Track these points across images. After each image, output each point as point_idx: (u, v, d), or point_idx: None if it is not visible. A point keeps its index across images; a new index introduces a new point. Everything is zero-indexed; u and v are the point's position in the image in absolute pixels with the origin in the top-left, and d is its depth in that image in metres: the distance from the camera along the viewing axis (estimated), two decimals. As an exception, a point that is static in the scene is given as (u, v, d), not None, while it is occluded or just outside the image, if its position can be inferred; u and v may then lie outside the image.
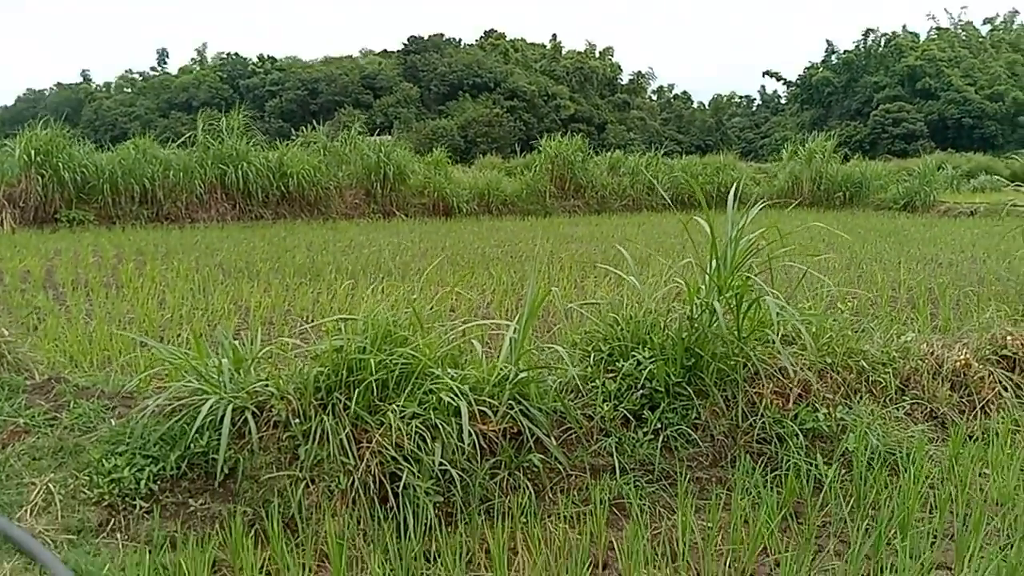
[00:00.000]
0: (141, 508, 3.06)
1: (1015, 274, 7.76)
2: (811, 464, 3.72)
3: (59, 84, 78.80)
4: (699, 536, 3.18)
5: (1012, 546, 3.11)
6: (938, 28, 74.26)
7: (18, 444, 3.27)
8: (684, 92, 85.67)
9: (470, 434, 3.26)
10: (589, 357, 4.11)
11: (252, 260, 9.90)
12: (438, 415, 3.31)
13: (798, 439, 3.83)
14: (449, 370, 3.55)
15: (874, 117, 64.97)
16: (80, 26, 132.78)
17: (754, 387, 4.03)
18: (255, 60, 74.32)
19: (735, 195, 4.38)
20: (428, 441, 3.26)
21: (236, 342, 3.68)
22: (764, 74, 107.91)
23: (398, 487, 3.20)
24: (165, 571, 2.81)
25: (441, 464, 3.23)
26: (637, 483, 3.56)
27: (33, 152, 14.83)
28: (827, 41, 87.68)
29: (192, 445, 3.20)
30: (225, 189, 16.51)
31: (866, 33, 74.07)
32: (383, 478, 3.23)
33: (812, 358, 4.23)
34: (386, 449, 3.22)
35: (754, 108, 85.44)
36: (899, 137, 61.67)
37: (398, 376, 3.44)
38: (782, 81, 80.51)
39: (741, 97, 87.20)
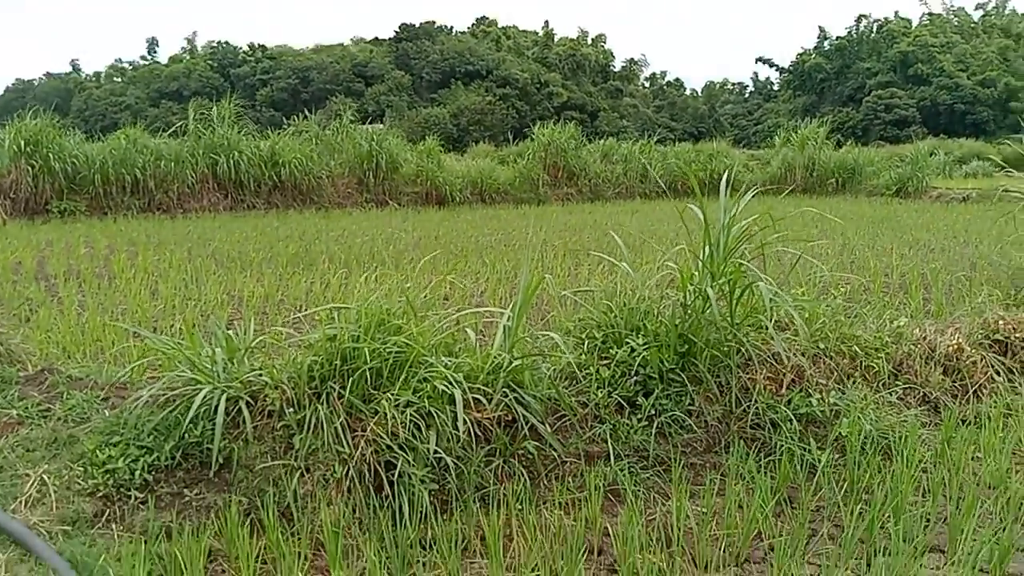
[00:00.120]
0: (136, 498, 3.05)
1: (1007, 259, 7.79)
2: (805, 449, 3.74)
3: (48, 74, 78.09)
4: (693, 521, 3.20)
5: (1004, 529, 3.14)
6: (930, 14, 74.13)
7: (11, 436, 3.26)
8: (677, 79, 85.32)
9: (465, 422, 3.27)
10: (583, 344, 4.11)
11: (245, 250, 9.87)
12: (432, 403, 3.31)
13: (792, 424, 3.85)
14: (443, 358, 3.56)
15: (866, 103, 64.86)
16: (69, 15, 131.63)
17: (747, 373, 4.05)
18: (246, 49, 73.62)
19: (728, 182, 4.38)
20: (423, 429, 3.27)
21: (229, 332, 3.67)
22: (757, 61, 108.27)
23: (393, 475, 3.21)
24: (161, 561, 2.81)
25: (436, 452, 3.24)
26: (631, 469, 3.58)
27: (23, 143, 14.71)
28: (819, 27, 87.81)
29: (186, 435, 3.20)
30: (217, 179, 16.43)
31: (858, 19, 73.89)
32: (378, 466, 3.24)
33: (805, 344, 4.24)
34: (381, 438, 3.22)
35: (747, 95, 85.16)
36: (891, 123, 61.62)
37: (392, 365, 3.44)
38: (775, 67, 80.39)
39: (734, 84, 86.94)
